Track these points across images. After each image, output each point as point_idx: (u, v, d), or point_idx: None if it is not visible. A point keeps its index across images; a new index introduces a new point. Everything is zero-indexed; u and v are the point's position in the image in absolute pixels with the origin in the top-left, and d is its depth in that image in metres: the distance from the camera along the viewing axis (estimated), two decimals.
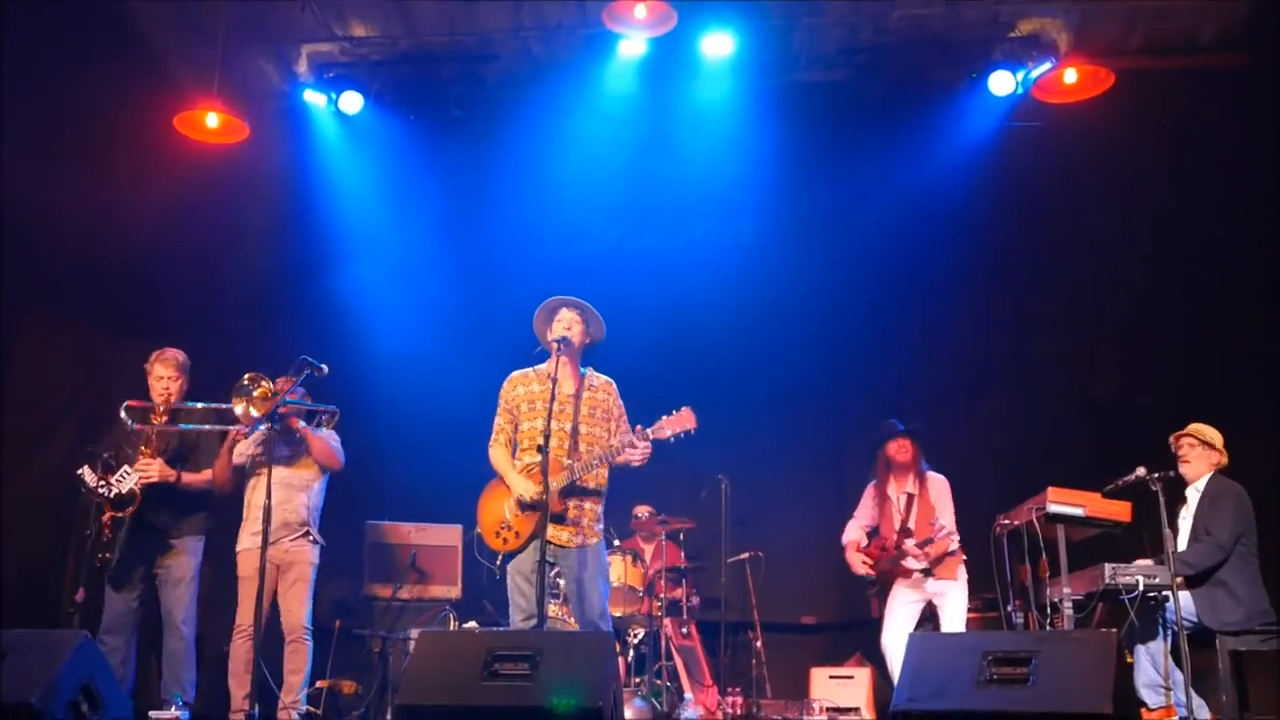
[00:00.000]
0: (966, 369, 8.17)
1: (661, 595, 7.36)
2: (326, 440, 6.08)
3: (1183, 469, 5.96)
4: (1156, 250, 7.82)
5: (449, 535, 7.54)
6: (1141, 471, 5.53)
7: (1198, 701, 5.49)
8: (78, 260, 7.21)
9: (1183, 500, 6.00)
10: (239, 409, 5.55)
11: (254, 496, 5.99)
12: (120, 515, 5.69)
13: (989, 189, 8.08)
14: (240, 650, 5.71)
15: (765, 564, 7.78)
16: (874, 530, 6.79)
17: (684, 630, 7.67)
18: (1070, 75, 7.55)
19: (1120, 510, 5.83)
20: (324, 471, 6.14)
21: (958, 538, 6.44)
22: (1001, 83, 7.91)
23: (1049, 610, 5.95)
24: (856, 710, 7.27)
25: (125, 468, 5.74)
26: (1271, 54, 7.44)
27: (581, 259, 8.49)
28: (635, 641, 7.27)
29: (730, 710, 7.37)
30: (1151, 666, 5.74)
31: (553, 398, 5.10)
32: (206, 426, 6.00)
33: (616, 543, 7.50)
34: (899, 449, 6.70)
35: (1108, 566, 5.59)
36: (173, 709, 4.70)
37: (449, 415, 8.06)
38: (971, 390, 8.11)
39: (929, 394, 7.93)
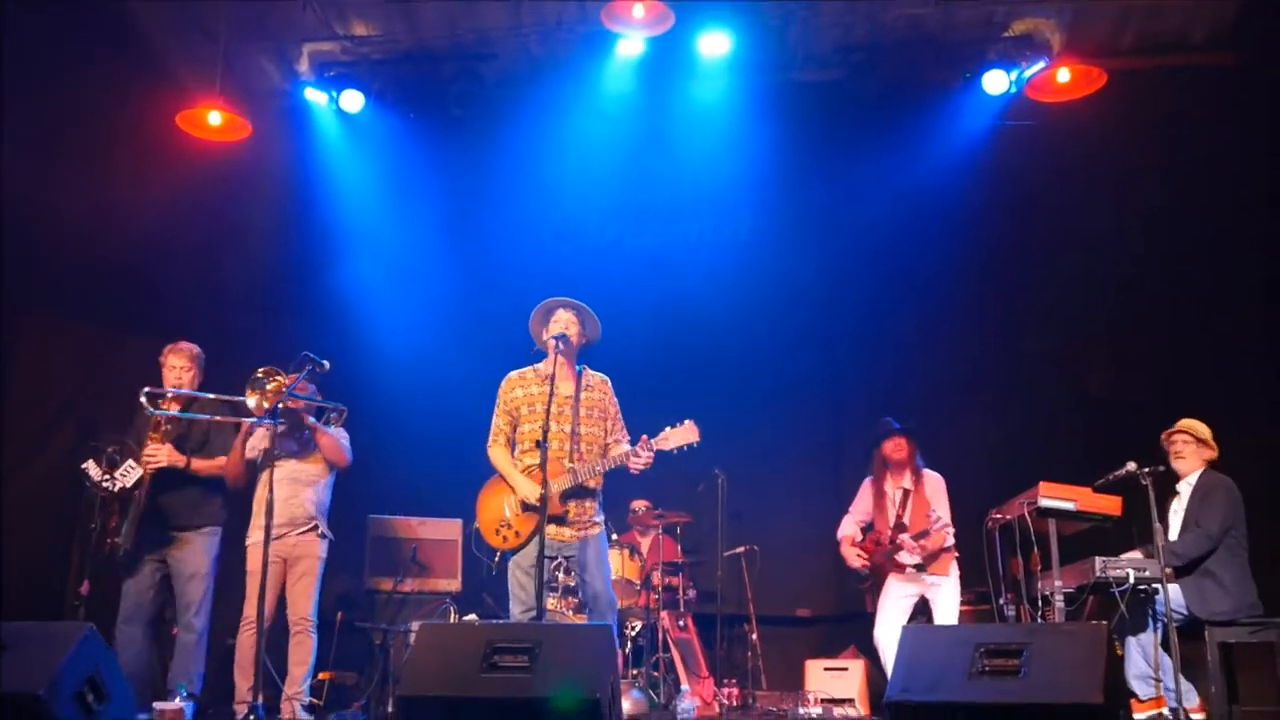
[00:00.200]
0: (961, 365, 8.18)
1: (659, 588, 7.37)
2: (335, 438, 6.10)
3: (1175, 464, 5.98)
4: (1148, 248, 7.83)
5: (449, 529, 7.56)
6: (1132, 466, 5.55)
7: (1186, 686, 5.52)
8: (80, 258, 7.20)
9: (1174, 494, 6.03)
10: (252, 401, 5.57)
11: (262, 491, 5.99)
12: (125, 506, 5.70)
13: (983, 187, 8.09)
14: (247, 642, 5.72)
15: (761, 558, 7.81)
16: (869, 525, 6.81)
17: (681, 623, 7.69)
18: (1063, 75, 7.57)
19: (1110, 504, 5.85)
20: (331, 468, 6.16)
21: (953, 531, 6.45)
22: (995, 82, 7.91)
23: (1040, 603, 5.96)
24: (850, 701, 7.29)
25: (130, 462, 5.75)
26: (1261, 53, 7.46)
27: (580, 256, 8.50)
28: (633, 634, 7.28)
29: (726, 701, 7.39)
30: (1142, 658, 5.76)
31: (551, 395, 5.12)
32: (218, 417, 5.99)
33: (614, 536, 7.51)
34: (895, 447, 6.72)
35: (1098, 560, 5.61)
36: (176, 700, 4.71)
37: (449, 411, 8.08)
38: (965, 386, 8.13)
39: (924, 390, 7.95)
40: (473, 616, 7.14)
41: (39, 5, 6.76)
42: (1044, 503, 5.78)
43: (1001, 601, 6.33)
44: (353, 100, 8.30)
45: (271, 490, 5.37)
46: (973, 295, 8.26)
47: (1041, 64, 7.75)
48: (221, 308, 7.83)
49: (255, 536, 5.96)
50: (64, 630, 4.47)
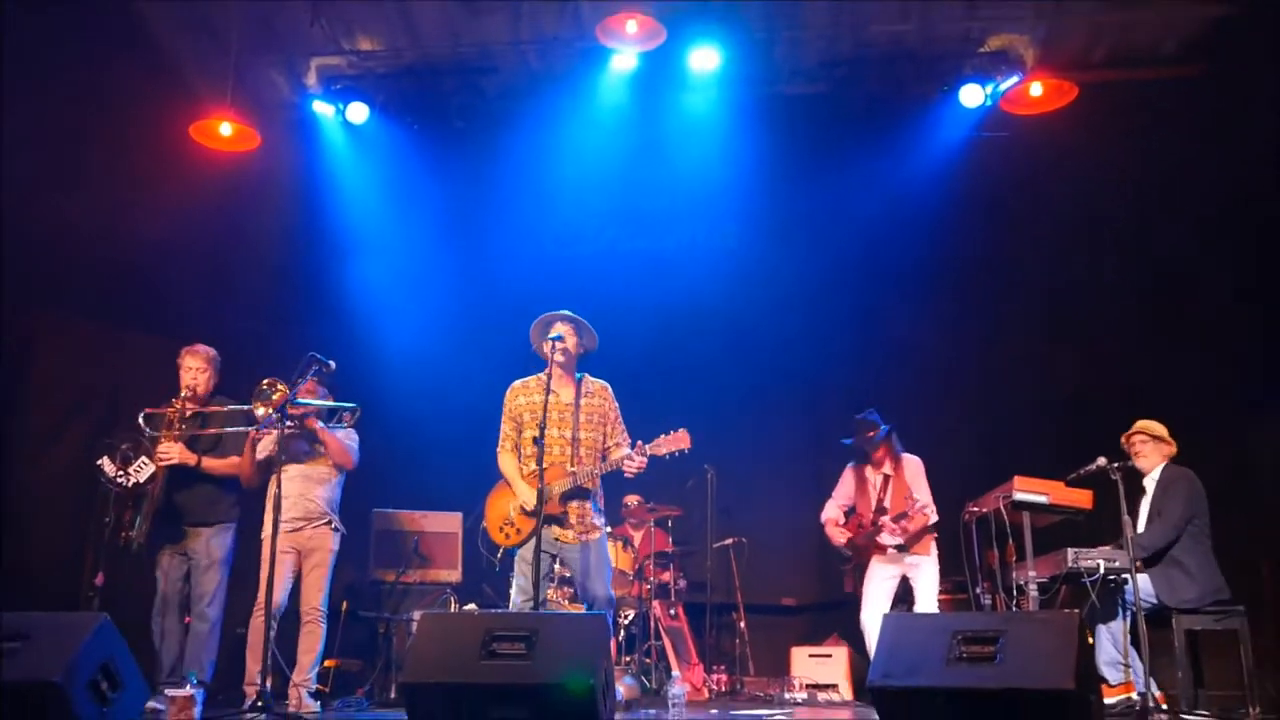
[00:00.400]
0: (938, 365, 8.18)
1: (650, 579, 7.36)
2: (342, 440, 6.09)
3: (1138, 464, 5.99)
4: (1118, 254, 7.85)
5: (450, 522, 7.54)
6: (1102, 461, 5.56)
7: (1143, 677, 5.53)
8: (95, 261, 7.17)
9: (1142, 491, 6.03)
10: (260, 412, 5.60)
11: (272, 489, 5.99)
12: (139, 501, 5.68)
13: (960, 196, 8.09)
14: (258, 626, 5.69)
15: (748, 549, 7.81)
16: (851, 509, 6.77)
17: (671, 612, 7.68)
18: (1036, 88, 7.58)
19: (1082, 498, 5.86)
20: (340, 469, 6.15)
21: (934, 509, 6.42)
22: (971, 95, 7.92)
23: (1015, 592, 5.97)
24: (834, 687, 7.29)
25: (143, 459, 5.74)
26: (1229, 67, 7.46)
27: (577, 261, 8.50)
28: (625, 623, 7.27)
29: (715, 687, 7.39)
30: (1112, 645, 5.77)
31: (545, 407, 5.16)
32: (230, 429, 5.97)
33: (608, 530, 7.49)
34: (870, 443, 6.68)
35: (1070, 551, 5.61)
36: (187, 687, 4.68)
37: (451, 409, 8.08)
38: (943, 385, 8.12)
39: (903, 389, 7.94)
40: (472, 606, 7.12)
41: (66, 23, 6.75)
42: (1018, 496, 5.79)
43: (978, 590, 6.33)
44: (358, 112, 8.29)
45: (280, 488, 5.39)
46: (950, 298, 8.27)
47: (1016, 78, 7.76)
48: (231, 311, 7.80)
49: (268, 531, 5.95)
50: (79, 620, 4.44)
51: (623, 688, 6.53)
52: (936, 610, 6.39)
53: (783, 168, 8.33)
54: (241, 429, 5.95)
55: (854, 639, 7.10)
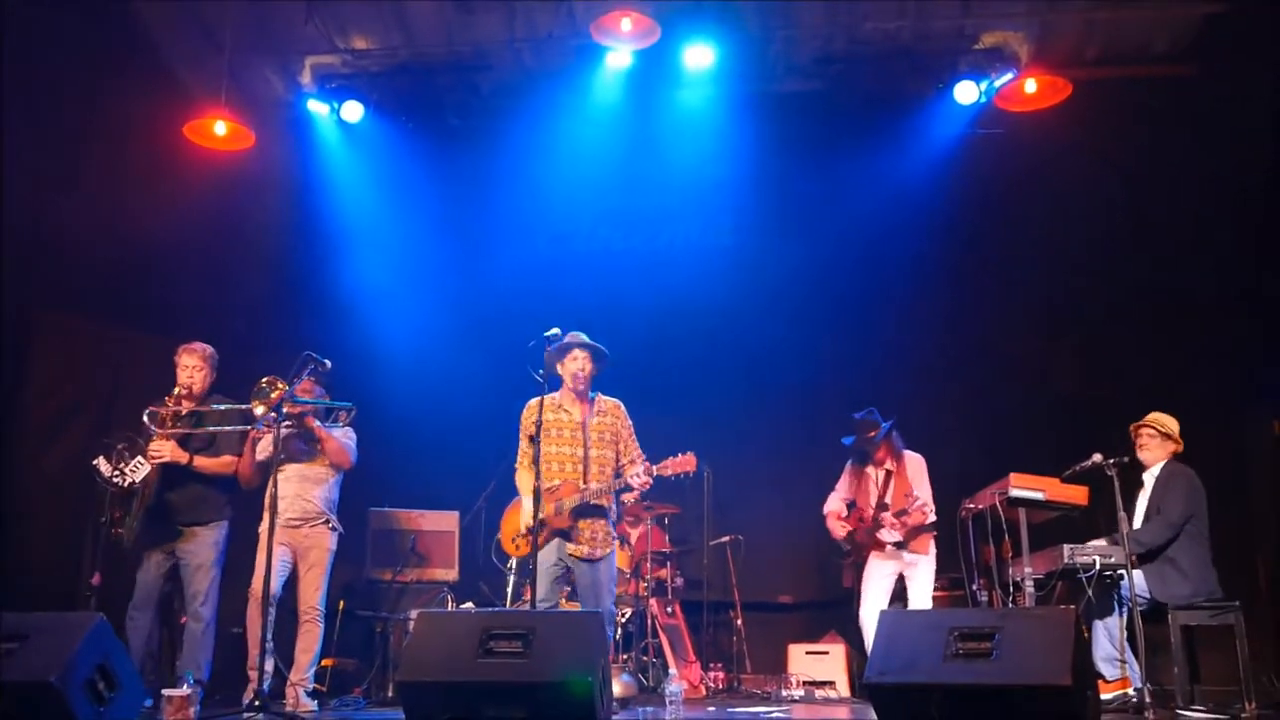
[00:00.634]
0: (934, 362, 8.18)
1: (647, 577, 7.37)
2: (339, 440, 6.09)
3: (1141, 455, 5.99)
4: (1112, 250, 7.85)
5: (447, 521, 7.54)
6: (1098, 458, 5.56)
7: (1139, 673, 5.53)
8: (92, 260, 7.16)
9: (1140, 485, 6.03)
10: (259, 410, 5.57)
11: (270, 488, 5.98)
12: (130, 500, 5.67)
13: (955, 193, 8.10)
14: (255, 615, 5.68)
15: (745, 547, 7.81)
16: (852, 504, 6.78)
17: (669, 609, 7.68)
18: (1030, 85, 7.57)
19: (1078, 494, 5.87)
20: (337, 469, 6.14)
21: (933, 508, 6.42)
22: (966, 92, 7.92)
23: (1011, 588, 5.97)
24: (831, 683, 7.29)
25: (138, 459, 5.72)
26: (1219, 65, 7.48)
27: (572, 258, 8.50)
28: (623, 620, 7.27)
29: (712, 684, 7.40)
30: (1108, 641, 5.77)
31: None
32: (226, 428, 5.96)
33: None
34: (871, 443, 6.68)
35: (1066, 547, 5.62)
36: (184, 686, 4.67)
37: (447, 408, 8.08)
38: (939, 382, 8.12)
39: (898, 385, 7.93)
40: (469, 605, 7.12)
41: (60, 23, 6.73)
42: (1014, 493, 5.80)
43: (974, 587, 6.34)
44: (353, 111, 8.27)
45: (276, 486, 5.38)
46: (945, 295, 8.27)
47: (1010, 75, 7.75)
48: (227, 309, 7.78)
49: (266, 525, 5.96)
50: (76, 620, 4.44)
51: (620, 685, 6.53)
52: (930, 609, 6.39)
53: (778, 165, 8.33)
54: (237, 428, 5.94)
55: (851, 636, 7.11)
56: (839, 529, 6.69)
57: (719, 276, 8.41)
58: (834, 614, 7.73)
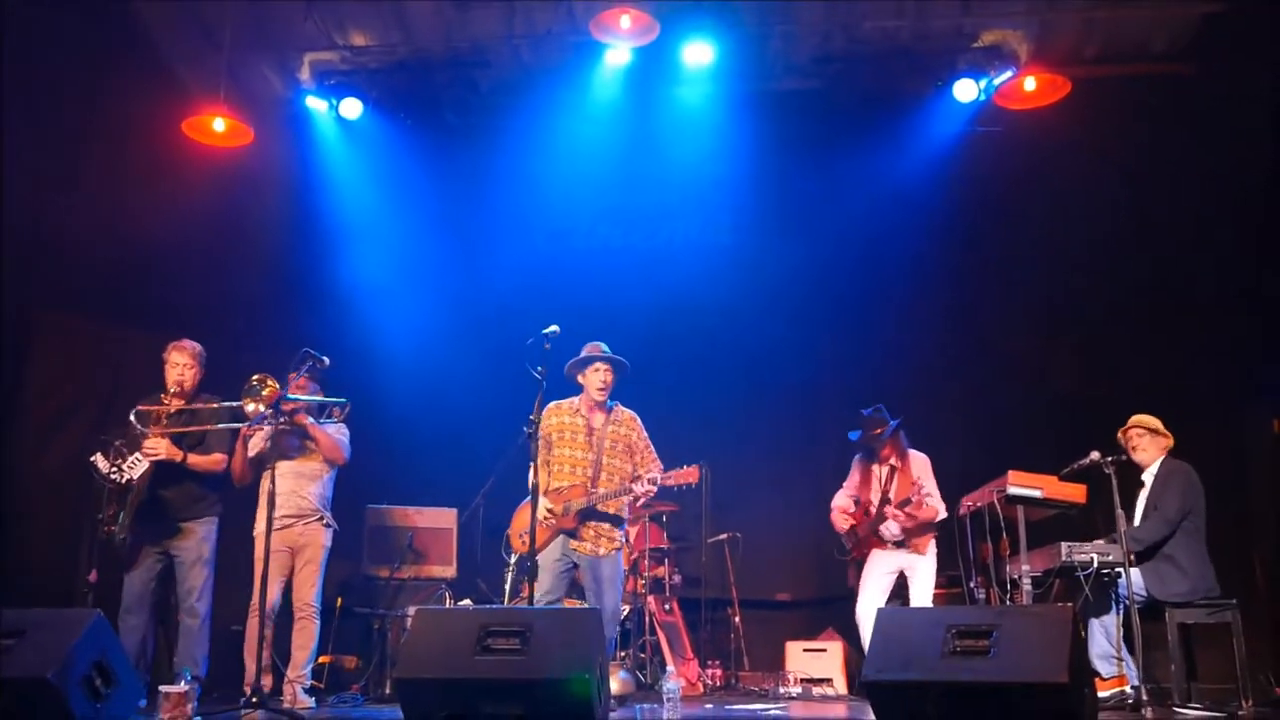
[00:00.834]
0: (933, 361, 8.18)
1: (645, 574, 7.37)
2: (332, 436, 6.08)
3: (1136, 457, 5.99)
4: (1111, 249, 7.85)
5: (445, 518, 7.53)
6: (1095, 455, 5.57)
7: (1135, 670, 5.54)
8: (91, 258, 7.15)
9: (1140, 485, 6.03)
10: (250, 408, 5.58)
11: (265, 485, 5.97)
12: (124, 496, 5.67)
13: (954, 191, 8.10)
14: (254, 626, 5.70)
15: (743, 545, 7.81)
16: (859, 500, 6.77)
17: (666, 607, 7.67)
18: (1030, 83, 7.56)
19: (1075, 492, 5.87)
20: (331, 465, 6.14)
21: (944, 506, 6.42)
22: (965, 90, 7.92)
23: (1009, 586, 5.97)
24: (829, 681, 7.29)
25: (135, 455, 5.72)
26: (1217, 64, 7.48)
27: (570, 255, 8.50)
28: (621, 618, 7.26)
29: (710, 682, 7.40)
30: (1105, 639, 5.78)
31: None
32: (218, 425, 5.95)
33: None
34: (878, 440, 6.68)
35: (1064, 545, 5.63)
36: (181, 683, 4.67)
37: (445, 405, 8.08)
38: (938, 380, 8.12)
39: (897, 384, 7.92)
40: (467, 601, 7.12)
41: (57, 18, 6.72)
42: (1012, 490, 5.80)
43: (972, 584, 6.34)
44: (352, 107, 8.27)
45: (274, 484, 5.37)
46: (944, 293, 8.27)
47: (1009, 73, 7.76)
48: (225, 306, 7.78)
49: (261, 527, 5.94)
50: (73, 616, 4.45)
51: (617, 682, 6.53)
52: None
53: (776, 163, 8.33)
54: (229, 426, 5.94)
55: (848, 633, 7.11)
56: (842, 522, 6.70)
57: (718, 274, 8.41)
58: (832, 611, 7.73)
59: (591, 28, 7.23)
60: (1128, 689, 5.53)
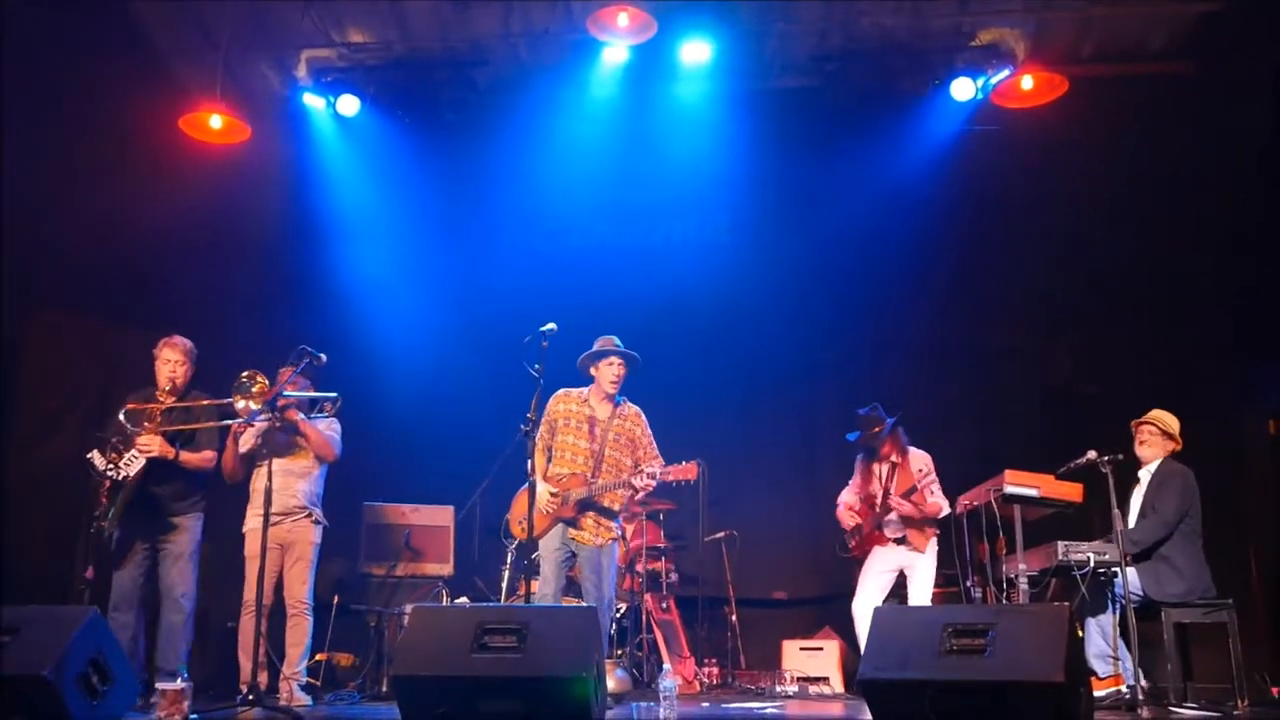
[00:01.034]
0: (930, 359, 8.19)
1: (642, 572, 7.37)
2: (323, 432, 6.07)
3: (1139, 451, 5.98)
4: (1108, 247, 7.86)
5: (442, 515, 7.52)
6: (1092, 455, 5.57)
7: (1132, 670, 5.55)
8: (87, 255, 7.15)
9: (1136, 482, 6.03)
10: (239, 405, 5.57)
11: (258, 482, 5.99)
12: (121, 489, 5.67)
13: (951, 190, 8.10)
14: (248, 626, 5.70)
15: (740, 543, 7.80)
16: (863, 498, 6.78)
17: (663, 605, 7.68)
18: (1027, 82, 7.59)
19: (1072, 491, 5.87)
20: (321, 462, 6.13)
21: (945, 502, 6.42)
22: (963, 89, 7.93)
23: (1005, 585, 5.97)
24: (825, 679, 7.30)
25: (132, 452, 5.71)
26: (1216, 61, 7.49)
27: (568, 253, 8.51)
28: (617, 616, 7.26)
29: (706, 680, 7.40)
30: (1101, 638, 5.78)
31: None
32: (208, 421, 5.94)
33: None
34: (876, 439, 6.67)
35: (1060, 544, 5.63)
36: (178, 680, 4.67)
37: (442, 401, 8.08)
38: (934, 379, 8.12)
39: (894, 383, 7.93)
40: (464, 599, 7.12)
41: (52, 15, 6.71)
42: (1009, 489, 5.80)
43: (969, 583, 6.35)
44: (349, 105, 8.26)
45: (270, 480, 5.36)
46: (941, 292, 8.27)
47: (1006, 72, 7.77)
48: (222, 303, 7.78)
49: (251, 523, 5.97)
50: (70, 614, 4.44)
51: (614, 680, 6.52)
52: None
53: (774, 161, 8.33)
54: (219, 424, 5.94)
55: (845, 632, 7.11)
56: (848, 519, 6.71)
57: (715, 272, 8.41)
58: (828, 610, 7.73)
59: (589, 26, 7.23)
60: (1124, 688, 5.54)
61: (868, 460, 6.73)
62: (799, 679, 7.26)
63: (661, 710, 4.90)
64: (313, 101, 8.39)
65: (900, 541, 6.46)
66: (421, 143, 8.47)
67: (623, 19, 7.15)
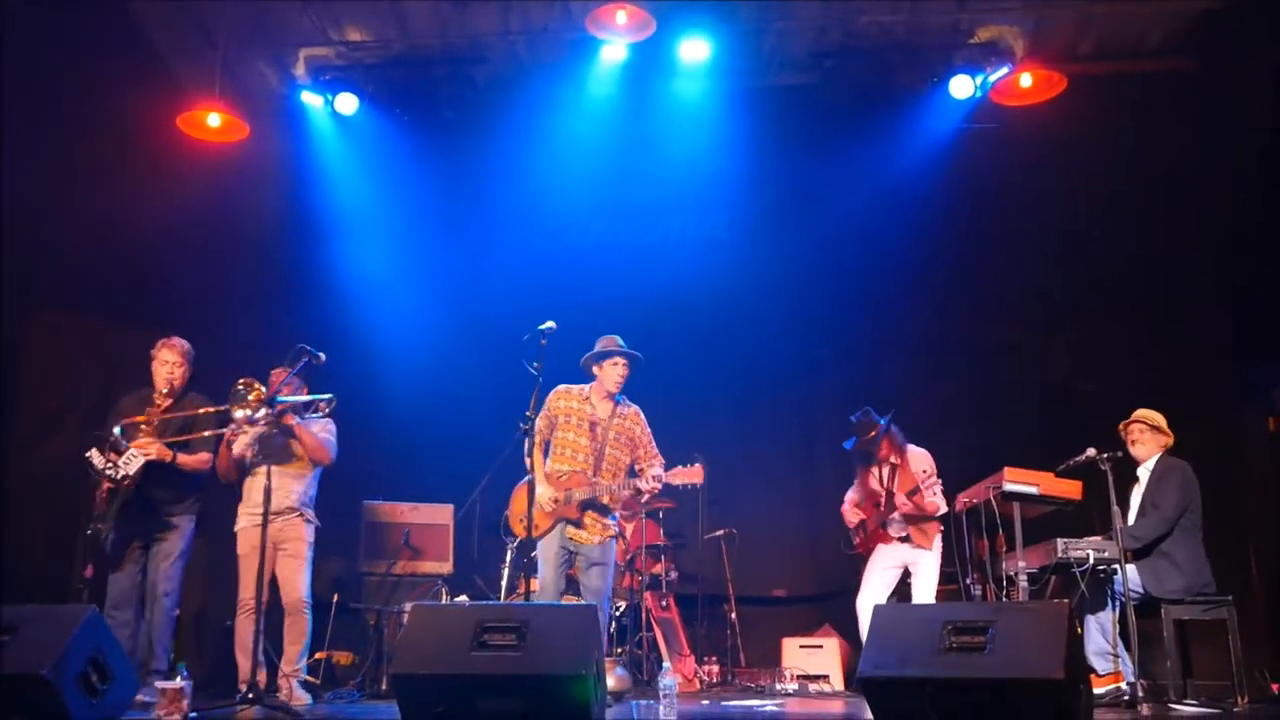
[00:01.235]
0: (928, 357, 8.18)
1: (642, 570, 7.36)
2: (317, 435, 6.06)
3: (1134, 451, 5.99)
4: (1106, 245, 7.86)
5: (441, 514, 7.53)
6: (1092, 452, 5.57)
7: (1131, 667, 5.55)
8: (86, 254, 7.14)
9: (1135, 480, 6.03)
10: (238, 414, 5.60)
11: (252, 482, 6.00)
12: (119, 490, 5.67)
13: (949, 188, 8.10)
14: (244, 624, 5.70)
15: (739, 541, 7.80)
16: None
17: (663, 603, 7.68)
18: (1026, 79, 7.58)
19: (1071, 489, 5.87)
20: (315, 465, 6.13)
21: (942, 500, 6.42)
22: (961, 87, 7.93)
23: (1005, 583, 5.98)
24: (825, 677, 7.29)
25: (131, 450, 5.72)
26: (1215, 59, 7.48)
27: (566, 251, 8.50)
28: (617, 614, 7.26)
29: (706, 678, 7.39)
30: (1101, 635, 5.78)
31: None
32: (204, 429, 5.96)
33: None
34: (872, 443, 6.67)
35: (1060, 541, 5.63)
36: (178, 679, 4.66)
37: (440, 400, 8.07)
38: (933, 377, 8.12)
39: (893, 379, 7.94)
40: (464, 598, 7.11)
41: (50, 13, 6.70)
42: (1008, 487, 5.80)
43: (968, 581, 6.35)
44: (347, 103, 8.26)
45: (269, 479, 5.36)
46: (940, 290, 8.26)
47: (1005, 69, 7.77)
48: (221, 302, 7.77)
49: (243, 522, 5.99)
50: (69, 613, 4.44)
51: (613, 678, 6.52)
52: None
53: (772, 159, 8.33)
54: (215, 432, 5.94)
55: (845, 630, 7.11)
56: (852, 516, 6.71)
57: (714, 270, 8.41)
58: (828, 608, 7.73)
59: (588, 24, 7.23)
60: (1123, 685, 5.54)
61: (866, 465, 6.72)
62: (799, 676, 7.25)
63: (661, 708, 4.90)
64: (311, 100, 8.39)
65: (905, 539, 6.46)
66: (420, 141, 8.47)
67: (621, 17, 7.14)
